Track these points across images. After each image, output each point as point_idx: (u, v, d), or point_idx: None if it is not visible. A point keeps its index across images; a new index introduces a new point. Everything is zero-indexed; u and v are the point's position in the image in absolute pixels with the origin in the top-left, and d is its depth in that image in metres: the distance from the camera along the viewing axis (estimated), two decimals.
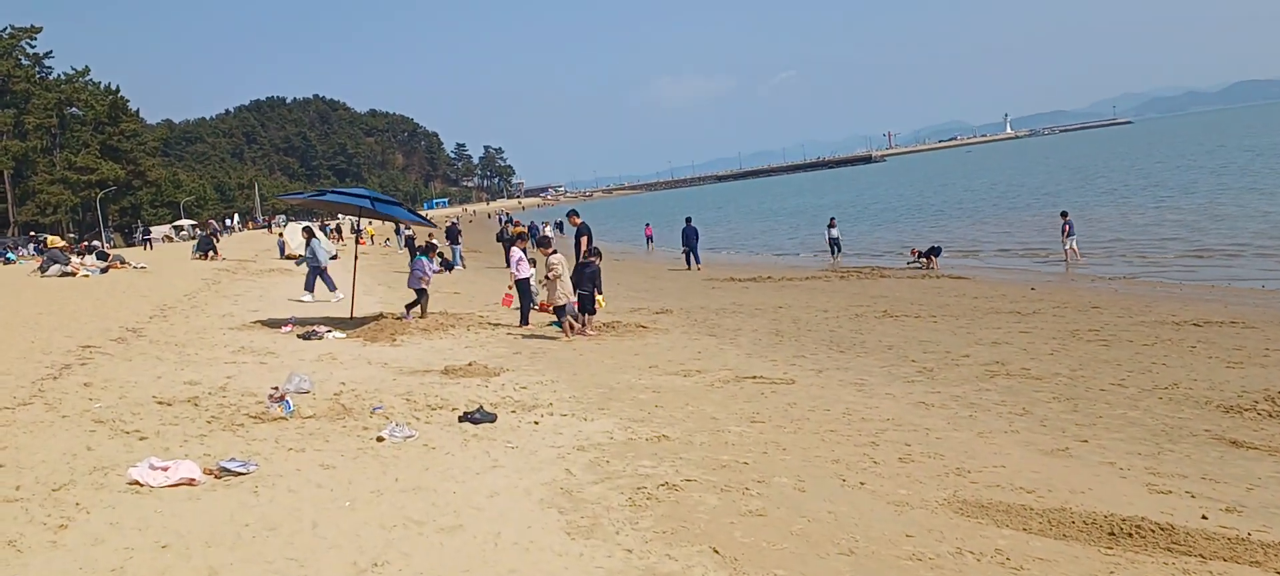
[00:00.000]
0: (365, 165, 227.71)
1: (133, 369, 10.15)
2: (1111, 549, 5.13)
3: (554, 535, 5.21)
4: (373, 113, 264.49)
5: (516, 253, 15.26)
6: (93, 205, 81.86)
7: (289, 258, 36.35)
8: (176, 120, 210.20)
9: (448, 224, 35.10)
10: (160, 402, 8.39)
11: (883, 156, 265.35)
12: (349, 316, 15.50)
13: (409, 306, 15.35)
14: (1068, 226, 26.39)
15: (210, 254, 34.61)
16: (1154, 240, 29.35)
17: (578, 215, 17.49)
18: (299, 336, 13.43)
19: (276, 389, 8.72)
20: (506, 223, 36.64)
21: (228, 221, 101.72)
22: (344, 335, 13.58)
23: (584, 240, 17.27)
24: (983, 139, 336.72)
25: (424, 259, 16.04)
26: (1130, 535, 5.27)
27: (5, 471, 6.13)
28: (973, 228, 40.40)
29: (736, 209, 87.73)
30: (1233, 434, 7.56)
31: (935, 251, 28.13)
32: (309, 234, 19.95)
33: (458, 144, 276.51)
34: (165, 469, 6.11)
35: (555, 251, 14.55)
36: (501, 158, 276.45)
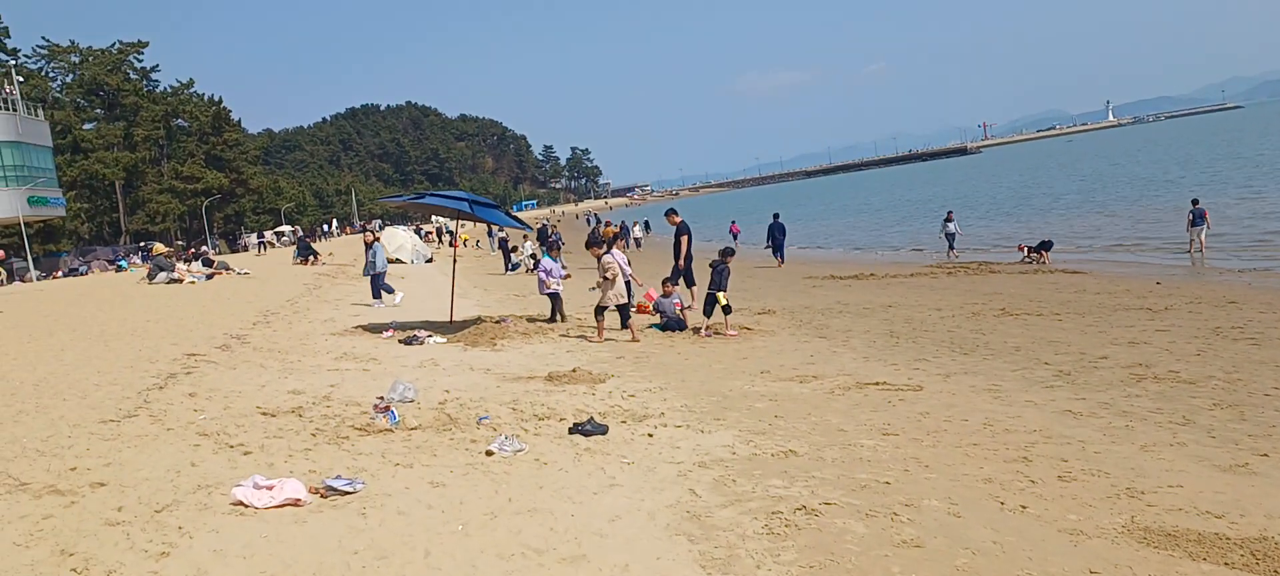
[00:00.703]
0: (456, 169, 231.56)
1: (237, 378, 10.03)
2: None
3: (687, 568, 4.71)
4: (463, 117, 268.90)
5: (618, 255, 14.84)
6: (199, 213, 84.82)
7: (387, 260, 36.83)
8: (276, 129, 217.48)
9: (538, 226, 35.00)
10: (264, 413, 8.17)
11: (978, 148, 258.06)
12: (448, 321, 15.30)
13: (552, 318, 15.03)
14: (1193, 216, 24.85)
15: (310, 259, 35.22)
16: (1275, 231, 27.55)
17: (676, 214, 16.99)
18: (400, 342, 13.25)
19: (381, 399, 8.43)
20: (598, 224, 36.37)
21: (325, 227, 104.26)
22: (444, 340, 13.35)
23: (684, 240, 16.78)
24: (1083, 128, 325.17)
25: (549, 258, 15.59)
26: None
27: (108, 490, 5.91)
28: (1080, 220, 38.58)
29: (826, 204, 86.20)
30: None
31: (1046, 245, 26.84)
32: (371, 239, 19.86)
33: (545, 146, 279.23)
34: (270, 487, 5.80)
35: (608, 250, 14.15)
36: (588, 159, 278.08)
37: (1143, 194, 47.35)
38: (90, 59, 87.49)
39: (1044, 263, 25.89)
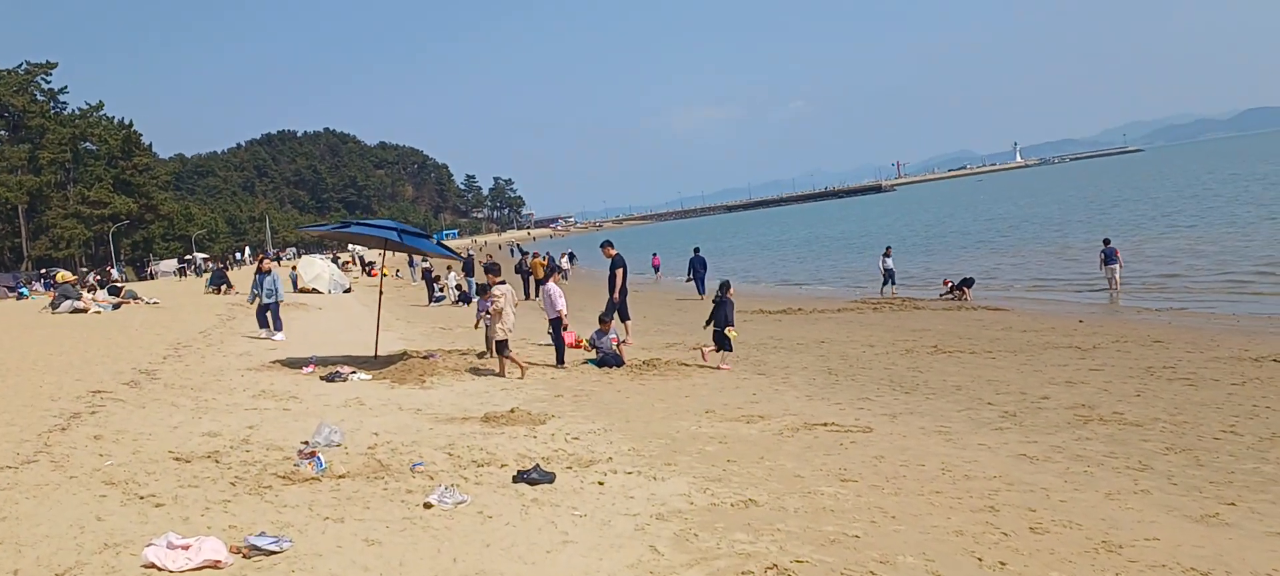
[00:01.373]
0: (375, 197, 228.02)
1: (147, 417, 9.27)
2: None
3: None
4: (383, 145, 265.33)
5: (553, 288, 14.38)
6: (105, 239, 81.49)
7: (303, 291, 35.59)
8: (189, 154, 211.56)
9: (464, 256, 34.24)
10: (178, 459, 7.50)
11: (892, 186, 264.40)
12: (373, 355, 14.62)
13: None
14: (1105, 254, 25.51)
15: (223, 288, 33.81)
16: (1184, 270, 28.52)
17: (612, 246, 16.60)
18: (322, 378, 12.55)
19: (306, 444, 7.83)
20: (525, 255, 35.78)
21: (238, 255, 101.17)
22: (369, 377, 12.69)
23: (619, 273, 16.41)
24: (993, 168, 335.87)
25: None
26: None
27: (3, 549, 5.25)
28: (995, 258, 39.48)
29: (749, 239, 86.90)
30: None
31: (968, 282, 27.26)
32: (268, 267, 18.69)
33: (467, 175, 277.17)
34: (186, 547, 5.20)
35: (502, 281, 13.82)
36: (511, 189, 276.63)
37: (1051, 233, 48.77)
38: None
39: (966, 299, 26.25)
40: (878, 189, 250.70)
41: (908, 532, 5.85)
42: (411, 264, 44.03)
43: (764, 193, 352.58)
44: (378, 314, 15.57)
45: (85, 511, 6.02)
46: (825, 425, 9.40)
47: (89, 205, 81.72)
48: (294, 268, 40.82)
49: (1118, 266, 25.46)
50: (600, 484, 6.97)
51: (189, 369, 13.11)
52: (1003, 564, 5.32)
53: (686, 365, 14.16)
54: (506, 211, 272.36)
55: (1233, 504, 6.49)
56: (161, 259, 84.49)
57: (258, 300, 18.32)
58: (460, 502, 6.37)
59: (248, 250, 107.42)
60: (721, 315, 14.25)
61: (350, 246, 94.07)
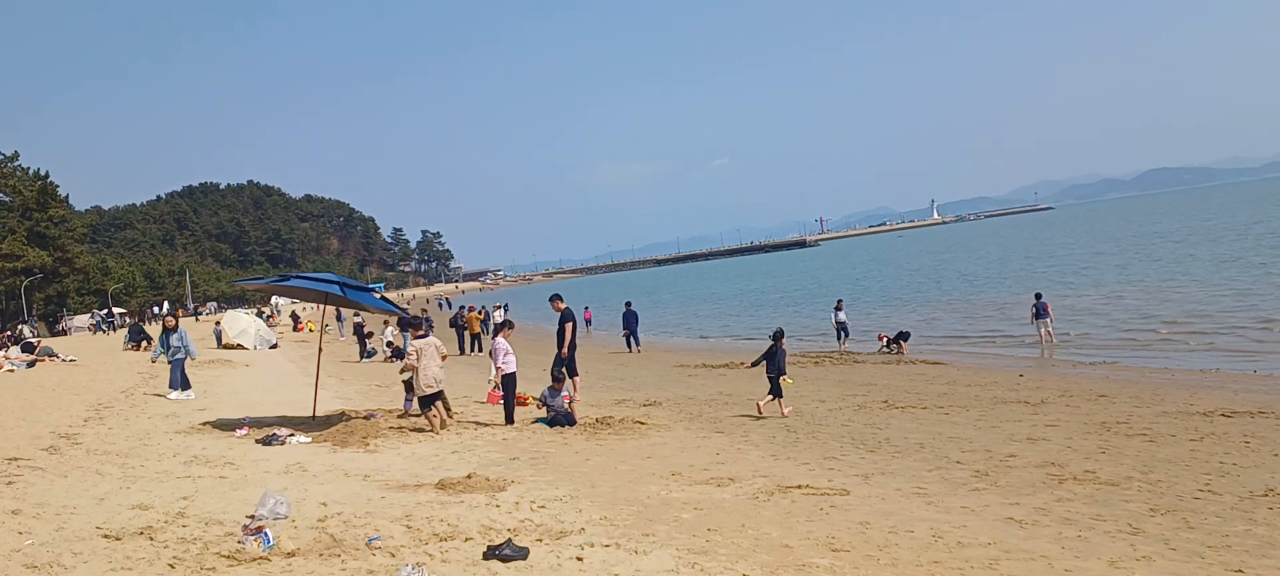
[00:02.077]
0: (299, 250, 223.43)
1: (70, 489, 8.46)
2: None
3: None
4: (308, 198, 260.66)
5: (501, 343, 13.85)
6: (17, 293, 77.83)
7: (227, 346, 34.25)
8: (106, 206, 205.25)
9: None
10: (107, 536, 6.77)
11: (816, 241, 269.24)
12: (311, 416, 13.85)
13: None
14: (1037, 309, 25.90)
15: (143, 344, 32.30)
16: (1105, 323, 29.23)
17: (561, 299, 16.15)
18: (258, 441, 11.77)
19: (251, 518, 7.16)
20: (461, 310, 34.97)
21: (156, 309, 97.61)
22: (309, 439, 11.95)
23: (569, 328, 15.94)
24: (912, 224, 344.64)
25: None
26: None
27: None
28: (923, 311, 40.04)
29: (680, 293, 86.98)
30: None
31: (904, 336, 27.44)
32: (174, 324, 17.68)
33: (395, 228, 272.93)
34: None
35: (423, 334, 13.41)
36: (440, 242, 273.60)
37: (973, 287, 49.80)
38: None
39: (903, 353, 26.38)
40: (803, 244, 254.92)
41: None
42: (339, 318, 42.74)
43: (691, 247, 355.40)
44: (317, 372, 14.79)
45: None
46: (799, 487, 9.03)
47: (1, 258, 78.05)
48: (218, 322, 39.30)
49: (1049, 321, 25.86)
50: (579, 559, 6.45)
51: (112, 432, 12.20)
52: None
53: (642, 423, 13.72)
54: (434, 265, 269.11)
55: (1240, 571, 6.28)
56: (76, 313, 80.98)
57: (161, 359, 17.28)
58: None
59: (166, 305, 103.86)
60: (775, 363, 14.52)
61: (273, 300, 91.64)
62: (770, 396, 14.61)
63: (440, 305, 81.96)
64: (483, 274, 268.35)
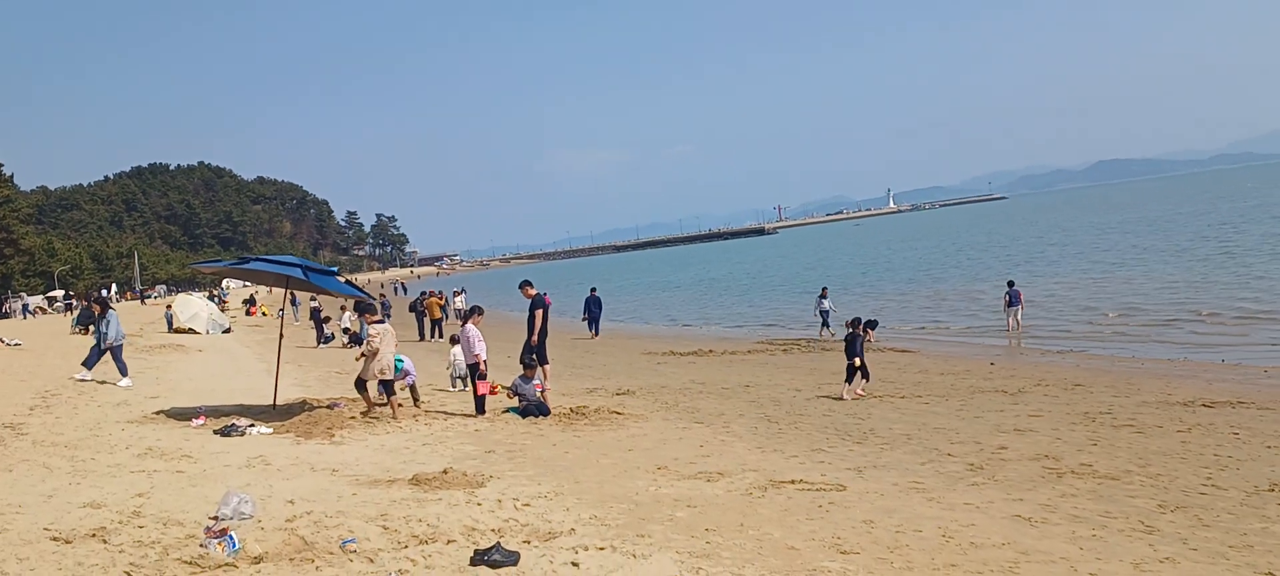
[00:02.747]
0: (251, 233, 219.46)
1: (15, 485, 7.80)
2: None
3: None
4: (260, 180, 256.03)
5: (473, 330, 13.31)
6: None
7: (179, 331, 33.19)
8: (52, 186, 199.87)
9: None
10: (56, 538, 6.16)
11: (775, 228, 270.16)
12: (271, 405, 13.20)
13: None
14: (1010, 297, 25.80)
15: (92, 328, 31.07)
16: (1069, 310, 29.32)
17: (531, 286, 15.59)
18: (216, 432, 11.13)
19: (215, 520, 6.59)
20: (422, 295, 34.20)
21: (104, 292, 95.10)
22: (270, 430, 11.33)
23: (539, 315, 15.39)
24: (869, 213, 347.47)
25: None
26: None
27: None
28: (884, 299, 39.97)
29: (640, 280, 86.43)
30: None
31: (871, 324, 27.15)
32: (103, 306, 16.82)
33: (349, 211, 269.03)
34: None
35: (379, 319, 12.96)
36: (395, 225, 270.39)
37: (932, 275, 49.95)
38: None
39: (870, 341, 26.16)
40: (761, 231, 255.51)
41: None
42: (294, 302, 41.68)
43: (651, 233, 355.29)
44: (278, 358, 14.11)
45: None
46: (793, 482, 8.64)
47: None
48: (169, 306, 38.09)
49: (1020, 309, 25.80)
50: (575, 565, 5.98)
51: (60, 422, 11.45)
52: None
53: (618, 413, 13.28)
54: (389, 249, 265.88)
55: (1270, 574, 5.99)
56: (24, 293, 78.51)
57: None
58: None
59: (114, 287, 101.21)
60: (854, 348, 15.21)
61: (224, 283, 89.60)
62: (849, 383, 15.28)
63: (396, 290, 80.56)
64: (439, 259, 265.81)
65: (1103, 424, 12.09)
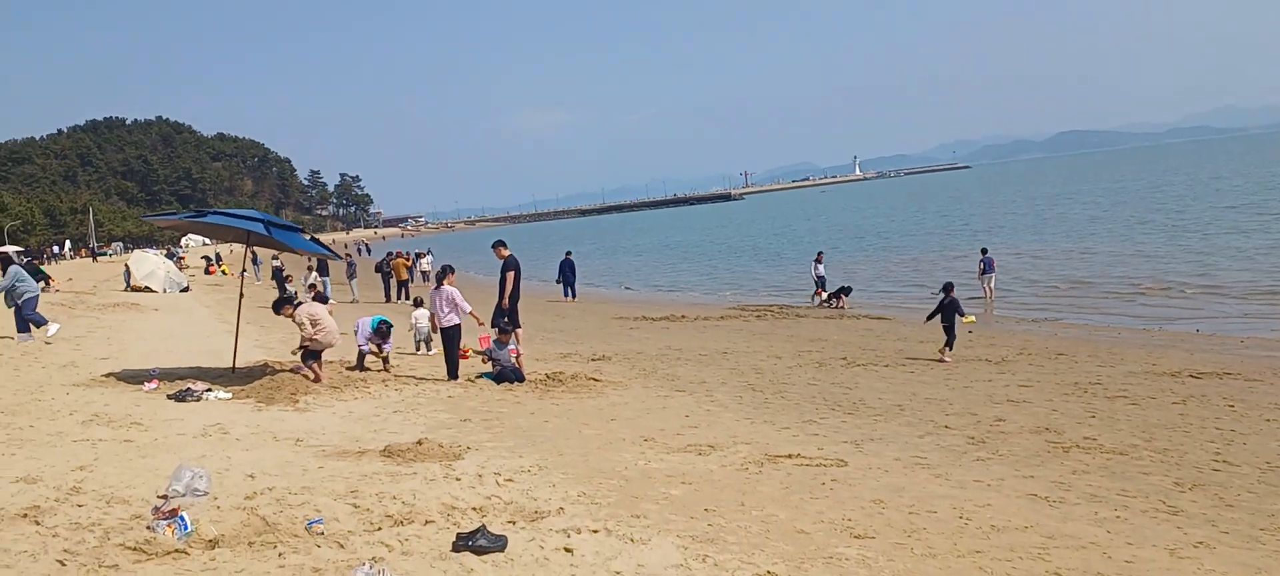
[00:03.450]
0: (211, 191, 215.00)
1: None
2: None
3: None
4: (221, 137, 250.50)
5: (451, 290, 12.67)
6: None
7: (135, 289, 32.08)
8: (2, 139, 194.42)
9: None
10: None
11: (741, 194, 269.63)
12: (230, 369, 12.47)
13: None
14: (984, 265, 25.54)
15: (42, 284, 29.90)
16: (1033, 279, 29.20)
17: (505, 246, 14.94)
18: (169, 397, 10.41)
19: (164, 498, 5.94)
20: (388, 255, 33.31)
21: (57, 248, 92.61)
22: (229, 395, 10.63)
23: (510, 277, 14.74)
24: (835, 180, 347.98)
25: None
26: None
27: None
28: (856, 266, 39.68)
29: (606, 244, 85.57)
30: None
31: (845, 290, 26.84)
32: (5, 260, 15.95)
33: (312, 171, 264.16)
34: None
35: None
36: (359, 186, 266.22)
37: (901, 242, 49.82)
38: None
39: (843, 307, 25.86)
40: (728, 197, 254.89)
41: None
42: (255, 261, 40.55)
43: (615, 198, 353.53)
44: (237, 318, 13.34)
45: None
46: (789, 457, 8.14)
47: None
48: (126, 264, 36.85)
49: (993, 276, 25.58)
50: (567, 551, 5.42)
51: None
52: None
53: (595, 380, 12.72)
54: (353, 209, 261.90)
55: None
56: None
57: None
58: None
59: (67, 244, 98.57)
60: (951, 313, 15.35)
61: (183, 240, 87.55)
62: (946, 345, 15.35)
63: (359, 250, 79.06)
64: (403, 220, 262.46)
65: (1096, 395, 11.75)
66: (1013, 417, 10.29)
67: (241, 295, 13.27)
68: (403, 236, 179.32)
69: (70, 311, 21.65)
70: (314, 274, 27.83)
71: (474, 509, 6.24)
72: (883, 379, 13.53)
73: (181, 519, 5.59)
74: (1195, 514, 6.56)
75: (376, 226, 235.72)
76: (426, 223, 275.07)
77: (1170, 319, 20.17)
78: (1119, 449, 8.63)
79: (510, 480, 7.06)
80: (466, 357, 13.67)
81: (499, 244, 14.97)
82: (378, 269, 33.06)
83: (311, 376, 11.58)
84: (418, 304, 16.86)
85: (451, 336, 12.57)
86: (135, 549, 5.14)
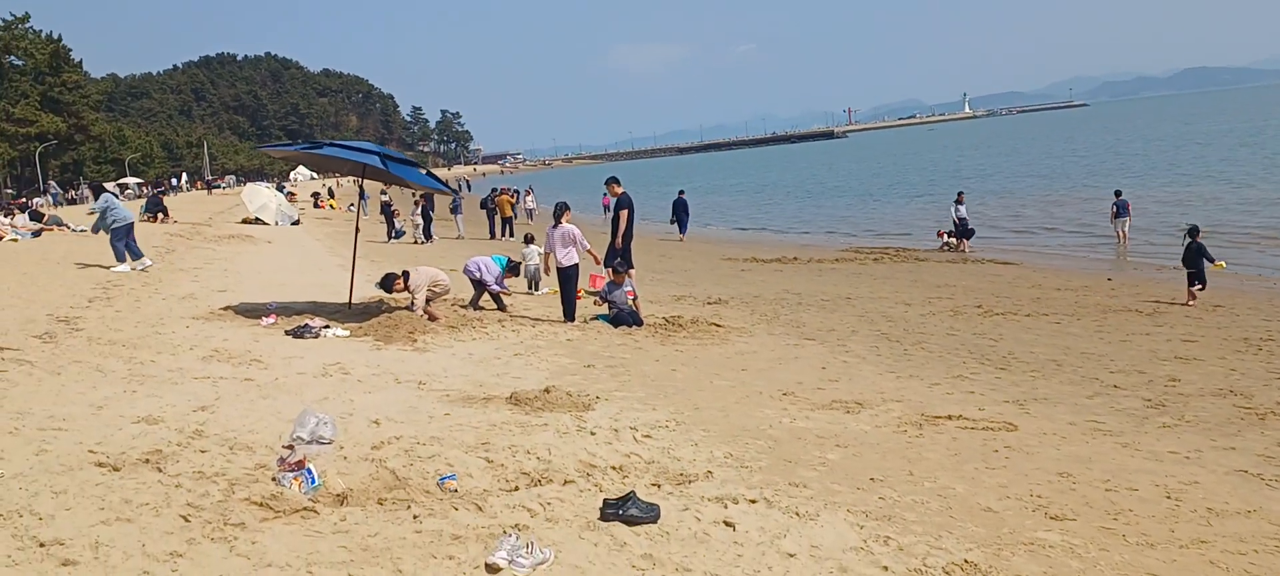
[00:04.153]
0: (318, 126, 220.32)
1: (62, 390, 6.89)
2: None
3: None
4: (327, 72, 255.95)
5: (571, 228, 12.16)
6: (32, 160, 76.28)
7: (247, 222, 32.69)
8: (122, 74, 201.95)
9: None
10: (102, 465, 5.19)
11: (845, 132, 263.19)
12: (346, 304, 12.25)
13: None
14: (1117, 207, 23.89)
15: (160, 216, 30.70)
16: (1174, 223, 27.20)
17: (618, 183, 14.30)
18: (287, 332, 10.19)
19: (290, 449, 5.55)
20: (493, 192, 33.13)
21: (175, 181, 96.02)
22: (346, 332, 10.37)
23: (624, 215, 14.13)
24: (943, 118, 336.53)
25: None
26: None
27: None
28: (971, 208, 37.80)
29: (704, 182, 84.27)
30: None
31: (968, 233, 25.50)
32: (98, 189, 15.95)
33: (414, 107, 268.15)
34: None
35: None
36: (459, 122, 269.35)
37: (1018, 183, 47.43)
38: None
39: (963, 250, 24.62)
40: (830, 135, 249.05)
41: None
42: (363, 195, 40.96)
43: (713, 135, 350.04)
44: (354, 254, 13.13)
45: None
46: (950, 418, 7.37)
47: (14, 123, 76.14)
48: (105, 188, 37.47)
49: (1127, 220, 23.96)
50: (728, 525, 4.82)
51: (120, 316, 10.59)
52: None
53: (718, 325, 12.06)
54: (454, 146, 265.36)
55: None
56: (92, 181, 79.42)
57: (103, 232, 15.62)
58: (541, 563, 4.21)
59: (185, 176, 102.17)
60: (1198, 258, 14.96)
61: (292, 174, 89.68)
62: (1198, 286, 14.98)
63: (460, 187, 79.67)
64: (502, 157, 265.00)
65: (1273, 353, 10.59)
66: (1188, 377, 9.27)
67: (357, 229, 13.01)
68: (502, 173, 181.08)
69: (187, 242, 21.98)
70: (421, 208, 27.77)
71: (613, 467, 5.71)
72: (1028, 330, 12.53)
73: (309, 471, 5.19)
74: None
75: (476, 163, 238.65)
76: (525, 160, 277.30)
77: None
78: None
79: (648, 436, 6.50)
80: (579, 297, 13.21)
81: (612, 181, 14.35)
82: (482, 205, 32.91)
83: (428, 315, 11.26)
84: (529, 240, 16.42)
85: (569, 276, 12.07)
86: (262, 504, 4.75)
